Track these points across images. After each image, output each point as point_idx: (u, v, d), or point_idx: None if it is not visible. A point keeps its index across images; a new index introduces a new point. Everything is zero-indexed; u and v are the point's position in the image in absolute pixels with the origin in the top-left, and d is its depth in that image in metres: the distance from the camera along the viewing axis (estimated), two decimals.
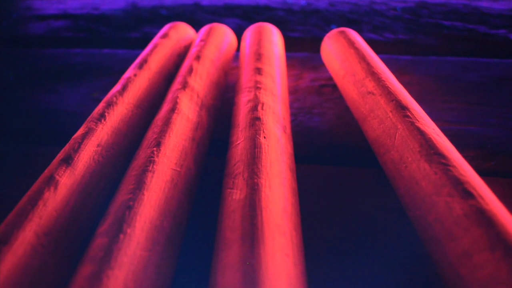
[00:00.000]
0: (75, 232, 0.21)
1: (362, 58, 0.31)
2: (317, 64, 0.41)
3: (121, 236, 0.18)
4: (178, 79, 0.30)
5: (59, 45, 0.51)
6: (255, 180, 0.20)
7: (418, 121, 0.24)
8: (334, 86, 0.37)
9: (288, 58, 0.42)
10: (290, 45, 0.45)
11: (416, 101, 0.27)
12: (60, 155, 0.23)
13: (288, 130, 0.27)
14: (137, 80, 0.31)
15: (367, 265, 0.22)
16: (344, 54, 0.33)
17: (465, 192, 0.19)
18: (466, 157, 0.27)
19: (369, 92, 0.28)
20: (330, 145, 0.30)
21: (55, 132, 0.34)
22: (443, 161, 0.21)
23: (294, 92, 0.37)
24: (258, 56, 0.33)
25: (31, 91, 0.41)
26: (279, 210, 0.19)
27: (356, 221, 0.24)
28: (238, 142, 0.24)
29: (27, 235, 0.19)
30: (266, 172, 0.21)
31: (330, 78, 0.38)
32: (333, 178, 0.27)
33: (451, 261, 0.18)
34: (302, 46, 0.45)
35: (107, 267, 0.17)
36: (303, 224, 0.22)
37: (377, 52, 0.35)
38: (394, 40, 0.44)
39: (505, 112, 0.32)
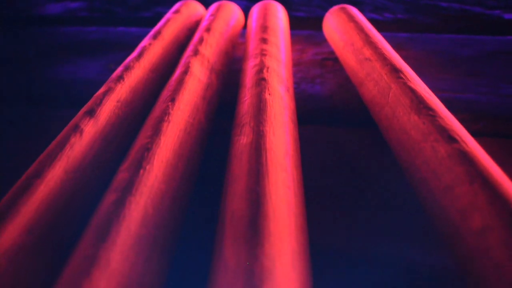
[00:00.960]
0: (99, 171, 0.23)
1: (361, 29, 0.33)
2: (320, 40, 0.42)
3: (141, 171, 0.20)
4: (190, 47, 0.32)
5: (76, 24, 0.53)
6: (261, 128, 0.22)
7: (410, 81, 0.26)
8: (335, 60, 0.39)
9: (293, 35, 0.43)
10: (295, 24, 0.46)
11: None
12: (84, 109, 0.25)
13: (291, 91, 0.28)
14: (151, 48, 0.32)
15: (361, 210, 0.24)
16: (344, 27, 0.35)
17: (450, 138, 0.21)
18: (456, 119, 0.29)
19: (366, 59, 0.30)
20: (330, 109, 0.32)
21: (76, 98, 0.36)
22: (431, 113, 0.23)
23: (297, 65, 0.38)
24: (264, 28, 0.35)
25: (51, 63, 0.42)
26: (281, 152, 0.21)
27: (353, 171, 0.26)
28: (245, 99, 0.26)
29: (57, 172, 0.21)
30: (271, 122, 0.23)
31: (332, 53, 0.40)
32: (333, 137, 0.29)
33: (435, 196, 0.20)
34: (307, 24, 0.47)
35: (129, 194, 0.19)
36: (305, 174, 0.24)
37: (377, 30, 0.37)
38: (393, 20, 0.46)
39: (496, 82, 0.33)
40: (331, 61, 0.39)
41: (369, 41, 0.31)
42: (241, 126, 0.23)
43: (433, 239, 0.22)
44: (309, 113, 0.32)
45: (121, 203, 0.18)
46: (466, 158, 0.20)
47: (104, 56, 0.43)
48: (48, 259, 0.18)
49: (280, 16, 0.39)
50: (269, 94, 0.25)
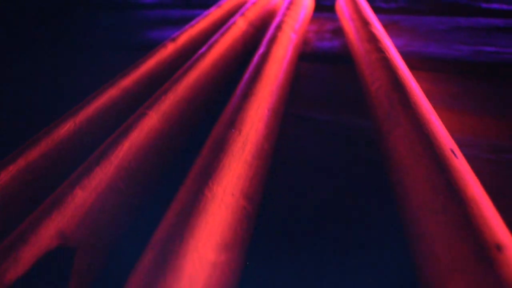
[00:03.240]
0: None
1: (358, 9, 0.46)
2: (336, 19, 0.56)
3: (249, 92, 0.34)
4: (240, 11, 0.47)
5: (161, 9, 0.70)
6: (270, 47, 0.36)
7: (374, 27, 0.39)
8: (341, 30, 0.52)
9: (319, 16, 0.57)
10: (324, 9, 0.60)
11: (402, 39, 0.41)
12: (171, 37, 0.40)
13: (300, 37, 0.42)
14: (214, 12, 0.48)
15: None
16: (347, 7, 0.48)
17: (380, 51, 0.34)
18: None
19: (357, 26, 0.43)
20: (332, 55, 0.45)
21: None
22: (378, 43, 0.36)
23: (317, 32, 0.52)
24: (290, 3, 0.49)
25: (148, 30, 0.59)
26: (282, 61, 0.35)
27: (347, 97, 0.39)
28: (267, 35, 0.40)
29: (150, 63, 0.36)
30: (277, 46, 0.37)
31: (341, 26, 0.53)
32: (329, 71, 0.42)
33: (370, 93, 0.32)
34: (331, 10, 0.60)
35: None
36: (302, 99, 0.37)
37: (382, 14, 0.50)
38: (395, 7, 0.58)
39: (452, 44, 0.45)
40: (340, 30, 0.52)
41: (361, 16, 0.44)
42: (261, 45, 0.37)
43: None
44: (316, 57, 0.45)
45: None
46: (388, 64, 0.32)
47: (182, 25, 0.59)
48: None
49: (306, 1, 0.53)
50: (281, 33, 0.39)
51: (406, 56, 0.43)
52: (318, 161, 0.29)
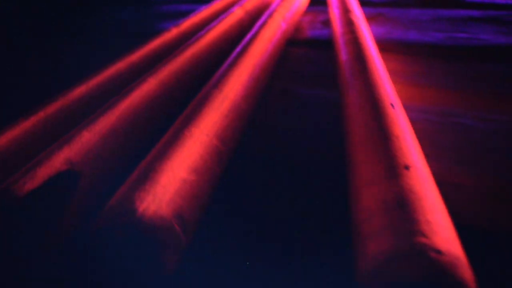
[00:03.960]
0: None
1: (343, 1, 0.50)
2: (327, 11, 0.60)
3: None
4: (239, 3, 0.52)
5: (173, 3, 0.75)
6: (259, 30, 0.41)
7: (353, 14, 0.43)
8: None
9: (314, 9, 0.61)
10: (319, 3, 0.64)
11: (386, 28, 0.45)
12: (174, 25, 0.45)
13: (290, 25, 0.46)
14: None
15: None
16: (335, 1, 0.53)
17: (353, 32, 0.38)
18: None
19: (340, 13, 0.47)
20: (321, 42, 0.50)
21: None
22: (353, 27, 0.40)
23: (310, 23, 0.56)
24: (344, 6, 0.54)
25: (158, 21, 0.65)
26: (268, 42, 0.39)
27: (329, 75, 0.43)
28: (260, 20, 0.44)
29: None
30: (266, 30, 0.41)
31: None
32: (317, 55, 0.46)
33: (339, 65, 0.37)
34: (323, 3, 0.65)
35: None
36: (290, 76, 0.42)
37: (370, 7, 0.54)
38: (385, 1, 0.62)
39: (427, 31, 0.49)
40: (328, 22, 0.56)
41: (345, 7, 0.48)
42: (253, 29, 0.42)
43: None
44: (309, 42, 0.50)
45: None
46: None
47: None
48: None
49: None
50: (271, 20, 0.44)
51: (386, 42, 0.47)
52: (299, 128, 0.33)
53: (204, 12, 0.49)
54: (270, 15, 0.45)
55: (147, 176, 0.22)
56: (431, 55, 0.43)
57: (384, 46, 0.45)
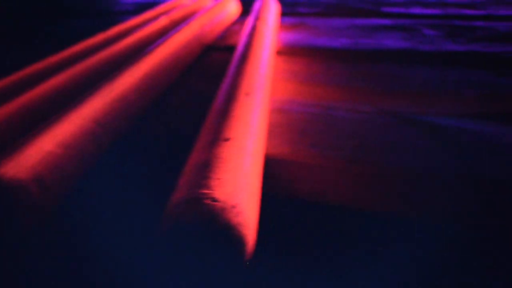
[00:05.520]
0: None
1: (257, 10, 0.55)
2: None
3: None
4: (170, 12, 0.56)
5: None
6: (172, 35, 0.45)
7: (261, 21, 0.47)
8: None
9: (244, 20, 0.66)
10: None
11: (302, 35, 0.50)
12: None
13: (205, 32, 0.51)
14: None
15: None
16: (255, 9, 0.57)
17: (252, 36, 0.42)
18: None
19: (250, 20, 0.51)
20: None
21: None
22: (257, 22, 0.44)
23: (238, 31, 0.61)
24: (258, 15, 0.58)
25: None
26: (177, 49, 0.44)
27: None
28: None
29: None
30: (176, 36, 0.46)
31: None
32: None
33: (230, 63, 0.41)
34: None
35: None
36: (205, 74, 0.46)
37: (297, 16, 0.58)
38: (310, 12, 0.67)
39: (342, 35, 0.53)
40: None
41: (256, 14, 0.53)
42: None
43: None
44: (231, 47, 0.54)
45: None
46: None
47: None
48: None
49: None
50: (187, 27, 0.48)
51: (298, 47, 0.51)
52: (184, 118, 0.37)
53: (133, 21, 0.54)
54: (188, 23, 0.49)
55: (16, 148, 0.25)
56: (332, 58, 0.47)
57: (295, 50, 0.50)
